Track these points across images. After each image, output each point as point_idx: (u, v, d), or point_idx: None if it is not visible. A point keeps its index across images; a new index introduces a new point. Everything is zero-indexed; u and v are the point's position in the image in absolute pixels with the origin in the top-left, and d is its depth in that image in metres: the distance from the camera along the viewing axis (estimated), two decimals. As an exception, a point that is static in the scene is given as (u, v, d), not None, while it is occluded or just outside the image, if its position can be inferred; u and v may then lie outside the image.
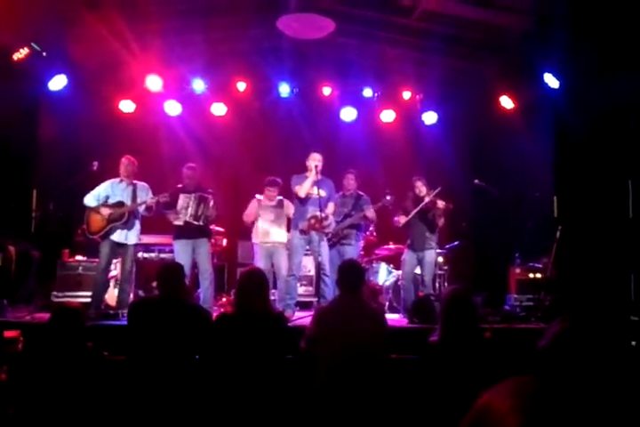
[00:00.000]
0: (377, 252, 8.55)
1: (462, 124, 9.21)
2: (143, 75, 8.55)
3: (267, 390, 3.58)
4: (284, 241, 6.89)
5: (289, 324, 4.59)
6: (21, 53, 7.35)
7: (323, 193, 6.50)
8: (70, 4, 7.14)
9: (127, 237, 6.48)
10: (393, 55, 8.83)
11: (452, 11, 7.70)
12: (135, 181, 6.66)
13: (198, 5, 7.88)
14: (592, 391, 1.69)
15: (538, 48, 7.57)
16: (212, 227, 7.22)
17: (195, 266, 6.74)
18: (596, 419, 1.63)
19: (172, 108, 9.08)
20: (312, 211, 6.51)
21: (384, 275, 8.23)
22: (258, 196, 7.30)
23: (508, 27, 7.85)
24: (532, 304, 6.85)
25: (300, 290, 7.60)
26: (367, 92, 9.27)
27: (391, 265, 8.34)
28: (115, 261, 6.80)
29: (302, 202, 6.58)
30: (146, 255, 7.78)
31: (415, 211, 6.85)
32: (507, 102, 8.64)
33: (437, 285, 7.71)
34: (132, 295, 6.83)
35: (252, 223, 7.32)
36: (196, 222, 6.62)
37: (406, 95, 9.21)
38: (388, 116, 9.39)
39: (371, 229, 8.21)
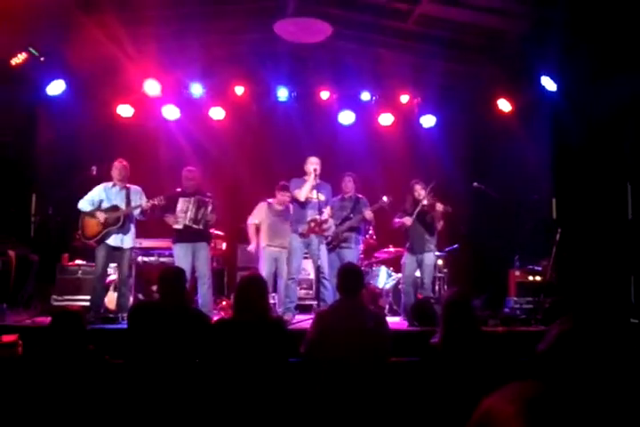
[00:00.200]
0: (377, 255, 8.56)
1: (460, 127, 9.23)
2: (141, 79, 8.56)
3: (266, 395, 3.57)
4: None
5: (289, 327, 4.59)
6: (19, 58, 7.36)
7: (322, 197, 6.52)
8: (68, 8, 7.15)
9: (123, 241, 6.47)
10: (390, 59, 8.84)
11: (449, 14, 7.72)
12: (128, 185, 6.64)
13: (196, 10, 7.90)
14: (594, 395, 1.69)
15: (535, 51, 7.59)
16: (211, 231, 7.22)
17: (194, 270, 6.74)
18: (599, 424, 1.63)
19: (171, 112, 9.08)
20: (311, 214, 6.52)
21: (384, 278, 8.23)
22: (268, 200, 7.32)
23: (505, 30, 7.88)
24: (531, 307, 6.85)
25: (300, 293, 7.61)
26: (365, 96, 9.28)
27: (391, 268, 8.34)
28: (112, 265, 6.79)
29: (301, 205, 6.59)
30: (145, 259, 7.78)
31: (417, 210, 6.85)
32: (504, 105, 8.66)
33: (437, 287, 7.71)
34: (131, 299, 6.82)
35: (257, 226, 7.34)
36: (195, 226, 6.62)
37: (404, 99, 9.23)
38: (386, 119, 9.41)
39: (370, 232, 8.21)
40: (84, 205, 6.48)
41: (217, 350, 3.72)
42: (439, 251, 7.56)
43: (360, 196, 7.25)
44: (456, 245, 8.16)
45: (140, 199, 6.58)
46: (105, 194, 6.53)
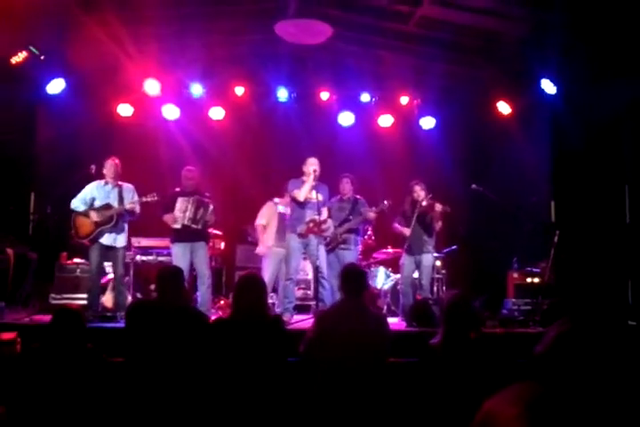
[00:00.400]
0: (375, 256, 8.57)
1: (460, 129, 9.24)
2: (141, 79, 8.56)
3: (264, 394, 3.57)
4: None
5: (287, 327, 4.59)
6: (19, 57, 7.36)
7: (320, 197, 6.53)
8: (68, 7, 7.16)
9: (116, 240, 6.44)
10: (390, 61, 8.86)
11: (450, 17, 7.74)
12: (120, 183, 6.60)
13: (197, 10, 7.91)
14: (593, 397, 1.70)
15: (534, 54, 7.61)
16: (210, 230, 7.22)
17: (193, 269, 6.74)
18: (598, 424, 1.64)
19: (170, 112, 9.08)
20: (310, 215, 6.52)
21: (382, 279, 8.24)
22: (275, 199, 7.32)
23: (505, 33, 7.90)
24: (529, 309, 6.85)
25: (298, 294, 7.61)
26: (365, 97, 9.29)
27: (389, 269, 8.35)
28: (107, 264, 6.78)
29: (300, 206, 6.59)
30: (144, 258, 7.77)
31: (416, 211, 6.88)
32: (504, 108, 8.67)
33: (435, 289, 7.72)
34: (130, 298, 6.82)
35: (264, 227, 7.35)
36: (194, 226, 6.62)
37: (404, 100, 9.24)
38: (385, 120, 9.42)
39: (369, 233, 8.22)
40: (77, 204, 6.44)
41: (215, 348, 3.72)
42: (438, 252, 7.58)
43: (358, 197, 7.26)
44: (454, 247, 8.17)
45: (132, 197, 6.55)
46: (97, 192, 6.49)
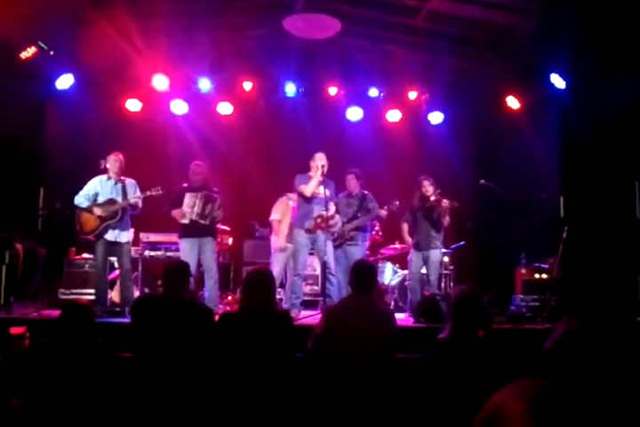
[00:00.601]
0: (382, 251, 8.56)
1: (468, 124, 9.19)
2: (150, 74, 8.56)
3: (271, 389, 3.58)
4: None
5: (295, 323, 4.59)
6: (28, 52, 7.38)
7: (328, 192, 6.52)
8: (77, 3, 7.17)
9: (120, 235, 6.42)
10: (399, 55, 8.83)
11: (458, 11, 7.70)
12: (123, 178, 6.58)
13: (205, 5, 7.90)
14: (600, 393, 1.69)
15: (544, 48, 7.56)
16: (217, 226, 7.23)
17: (200, 265, 6.75)
18: (604, 421, 1.63)
19: (179, 107, 9.08)
20: (318, 210, 6.51)
21: (389, 274, 8.24)
22: (289, 194, 7.32)
23: (515, 27, 7.85)
24: (537, 305, 6.84)
25: (306, 289, 7.62)
26: (373, 92, 9.26)
27: (397, 265, 8.34)
28: (114, 259, 6.79)
29: (307, 201, 6.58)
30: (152, 253, 7.79)
31: (423, 213, 6.91)
32: (513, 103, 8.63)
33: (443, 284, 7.70)
34: (137, 293, 6.85)
35: (279, 222, 7.36)
36: (202, 221, 6.63)
37: (412, 95, 9.20)
38: (393, 116, 9.38)
39: (376, 228, 8.21)
40: (81, 200, 6.42)
41: (222, 343, 3.73)
42: (446, 248, 7.56)
43: (366, 192, 7.25)
44: (462, 243, 8.15)
45: (135, 192, 6.54)
46: (100, 187, 6.47)
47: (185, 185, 6.87)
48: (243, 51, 8.98)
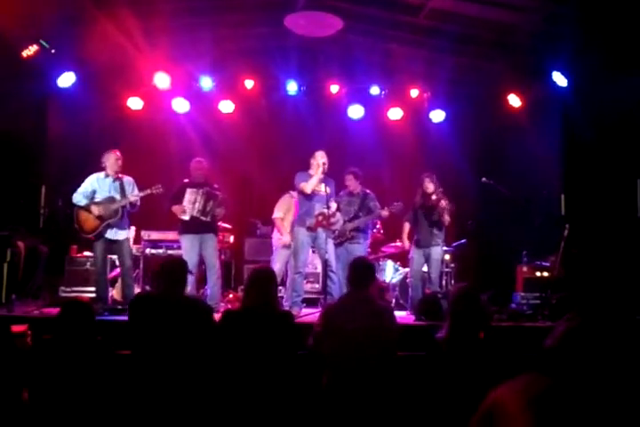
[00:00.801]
0: (383, 249, 8.56)
1: (470, 122, 9.19)
2: (151, 72, 8.57)
3: (272, 387, 3.59)
4: None
5: (295, 321, 4.60)
6: (30, 50, 7.39)
7: (329, 190, 6.52)
8: (79, 1, 7.17)
9: (118, 233, 6.39)
10: (401, 53, 8.81)
11: (460, 9, 7.68)
12: (120, 175, 6.52)
13: (206, 3, 7.90)
14: (601, 391, 1.69)
15: (546, 46, 7.55)
16: (219, 223, 7.24)
17: (202, 262, 6.75)
18: (605, 419, 1.64)
19: (180, 105, 9.08)
20: (319, 208, 6.51)
21: (390, 272, 8.24)
22: (292, 192, 7.32)
23: (517, 25, 7.83)
24: (538, 302, 6.84)
25: (307, 287, 7.62)
26: (374, 90, 9.25)
27: (398, 263, 8.34)
28: (115, 257, 6.79)
29: (308, 199, 6.58)
30: (153, 251, 7.79)
31: (423, 211, 6.92)
32: (514, 101, 8.62)
33: (444, 282, 7.70)
34: (139, 290, 6.85)
35: (281, 219, 7.37)
36: (203, 218, 6.63)
37: (414, 93, 9.19)
38: (395, 114, 9.37)
39: (378, 226, 8.21)
40: (79, 198, 6.36)
41: (224, 341, 3.73)
42: (447, 246, 7.57)
43: (368, 191, 7.25)
44: (464, 240, 8.15)
45: (133, 190, 6.50)
46: (98, 184, 6.42)
47: (186, 181, 6.88)
48: (244, 49, 8.98)
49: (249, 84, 8.99)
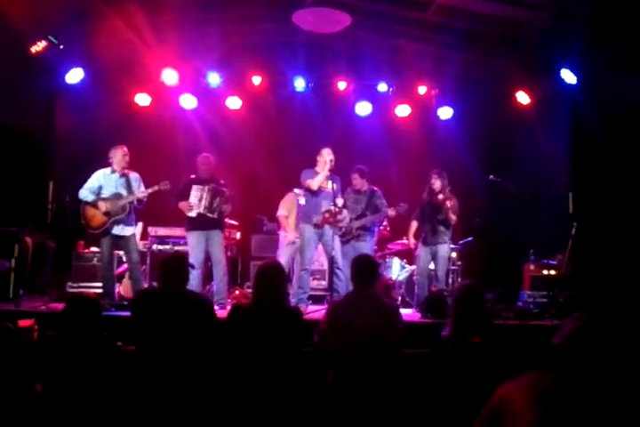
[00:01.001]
0: (390, 246, 8.54)
1: (478, 119, 9.15)
2: (159, 68, 8.57)
3: (279, 383, 3.59)
4: None
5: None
6: (39, 46, 7.41)
7: (335, 186, 6.51)
8: (88, -3, 7.19)
9: (125, 229, 6.37)
10: (409, 50, 8.78)
11: (469, 5, 7.65)
12: (127, 171, 6.49)
13: (214, -1, 7.91)
14: (608, 388, 1.68)
15: (555, 43, 7.51)
16: (225, 220, 7.24)
17: (208, 258, 6.76)
18: (611, 416, 1.63)
19: (188, 101, 9.09)
20: (326, 205, 6.51)
21: (397, 270, 8.22)
22: (296, 190, 7.32)
23: (525, 21, 7.78)
24: (545, 301, 6.82)
25: (313, 284, 7.63)
26: (382, 87, 9.23)
27: (404, 260, 8.33)
28: (122, 253, 6.80)
29: (315, 195, 6.57)
30: (160, 247, 7.81)
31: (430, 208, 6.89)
32: (523, 98, 8.58)
33: (450, 280, 7.69)
34: (146, 286, 6.87)
35: (286, 217, 7.38)
36: (209, 215, 6.64)
37: (422, 90, 9.16)
38: (403, 110, 9.34)
39: (384, 223, 8.20)
40: (86, 194, 6.34)
41: (231, 334, 3.73)
42: (454, 243, 7.54)
43: (375, 189, 7.22)
44: (471, 238, 8.13)
45: (139, 186, 6.49)
46: (104, 180, 6.40)
47: (192, 176, 6.88)
48: (252, 45, 8.97)
49: (256, 80, 8.99)
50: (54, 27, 7.42)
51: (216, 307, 5.93)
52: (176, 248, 7.73)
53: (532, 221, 7.33)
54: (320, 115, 9.17)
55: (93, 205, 6.32)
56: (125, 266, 6.95)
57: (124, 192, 6.38)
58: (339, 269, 6.38)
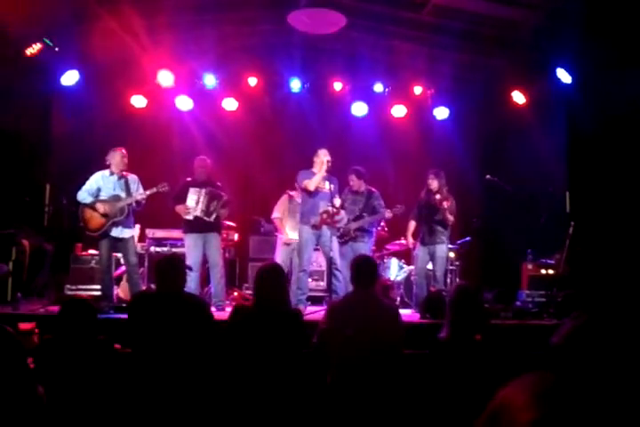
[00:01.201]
0: (388, 247, 8.55)
1: (474, 119, 9.17)
2: (155, 70, 8.57)
3: (278, 384, 3.59)
4: None
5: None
6: (34, 49, 7.40)
7: (332, 187, 6.51)
8: (83, -1, 7.18)
9: (123, 231, 6.35)
10: (404, 50, 8.80)
11: (464, 5, 7.66)
12: (125, 173, 6.48)
13: (210, 0, 7.89)
14: (608, 388, 1.69)
15: (550, 43, 7.53)
16: (222, 222, 7.23)
17: (206, 260, 6.75)
18: (611, 416, 1.63)
19: (184, 103, 9.08)
20: (323, 205, 6.51)
21: (395, 270, 8.23)
22: (290, 192, 7.32)
23: (520, 21, 7.80)
24: (544, 300, 6.84)
25: (312, 285, 7.63)
26: (378, 88, 9.24)
27: (402, 260, 8.33)
28: (120, 255, 6.79)
29: (312, 196, 6.57)
30: (158, 249, 7.80)
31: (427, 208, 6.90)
32: (518, 97, 8.60)
33: (449, 280, 7.70)
34: (144, 288, 6.86)
35: (280, 220, 7.39)
36: (206, 218, 6.63)
37: (417, 90, 9.19)
38: (399, 111, 9.36)
39: (382, 224, 8.20)
40: (84, 195, 6.32)
41: (232, 335, 3.73)
42: (452, 243, 7.55)
43: (373, 189, 7.22)
44: (468, 238, 8.14)
45: (137, 188, 6.47)
46: (103, 182, 6.38)
47: (189, 179, 6.87)
48: (247, 46, 8.97)
49: (252, 81, 8.99)
50: (49, 29, 7.41)
51: (214, 309, 5.95)
52: (174, 250, 7.72)
53: (529, 221, 7.35)
54: (316, 115, 9.17)
55: (92, 207, 6.30)
56: (123, 268, 6.94)
57: (122, 194, 6.37)
58: (337, 270, 6.37)
